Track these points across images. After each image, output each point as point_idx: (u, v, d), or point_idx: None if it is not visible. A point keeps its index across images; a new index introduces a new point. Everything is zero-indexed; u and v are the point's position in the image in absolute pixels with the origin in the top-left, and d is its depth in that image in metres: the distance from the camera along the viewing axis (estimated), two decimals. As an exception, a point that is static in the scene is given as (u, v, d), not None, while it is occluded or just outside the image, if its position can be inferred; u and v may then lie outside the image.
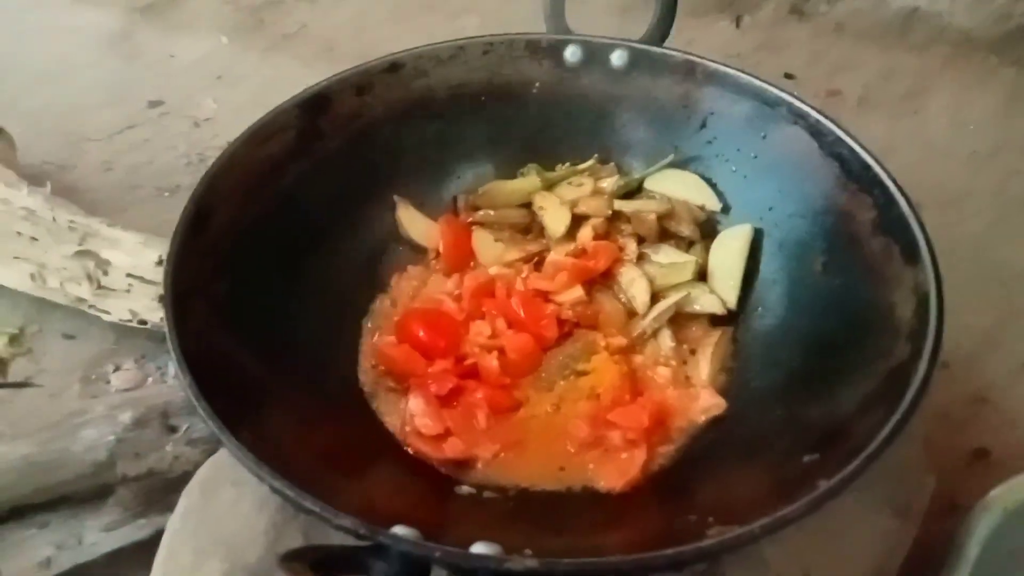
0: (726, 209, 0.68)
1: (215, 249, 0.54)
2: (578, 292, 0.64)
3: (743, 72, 0.66)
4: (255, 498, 0.51)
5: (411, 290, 0.67)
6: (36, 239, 0.86)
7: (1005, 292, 0.89)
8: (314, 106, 0.64)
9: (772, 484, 0.45)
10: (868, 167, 0.57)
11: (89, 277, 0.84)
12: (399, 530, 0.38)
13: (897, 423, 0.42)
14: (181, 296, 0.49)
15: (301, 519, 0.50)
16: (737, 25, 1.26)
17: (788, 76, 1.17)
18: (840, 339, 0.53)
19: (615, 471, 0.54)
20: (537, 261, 0.68)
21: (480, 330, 0.63)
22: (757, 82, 0.64)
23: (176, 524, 0.52)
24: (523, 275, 0.67)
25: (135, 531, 0.67)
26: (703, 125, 0.68)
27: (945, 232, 0.94)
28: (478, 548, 0.37)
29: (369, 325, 0.65)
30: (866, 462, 0.40)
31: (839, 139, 0.59)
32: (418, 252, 0.70)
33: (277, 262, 0.60)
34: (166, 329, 0.46)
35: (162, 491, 0.66)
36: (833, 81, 1.19)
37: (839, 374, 0.51)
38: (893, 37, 1.23)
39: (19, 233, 0.86)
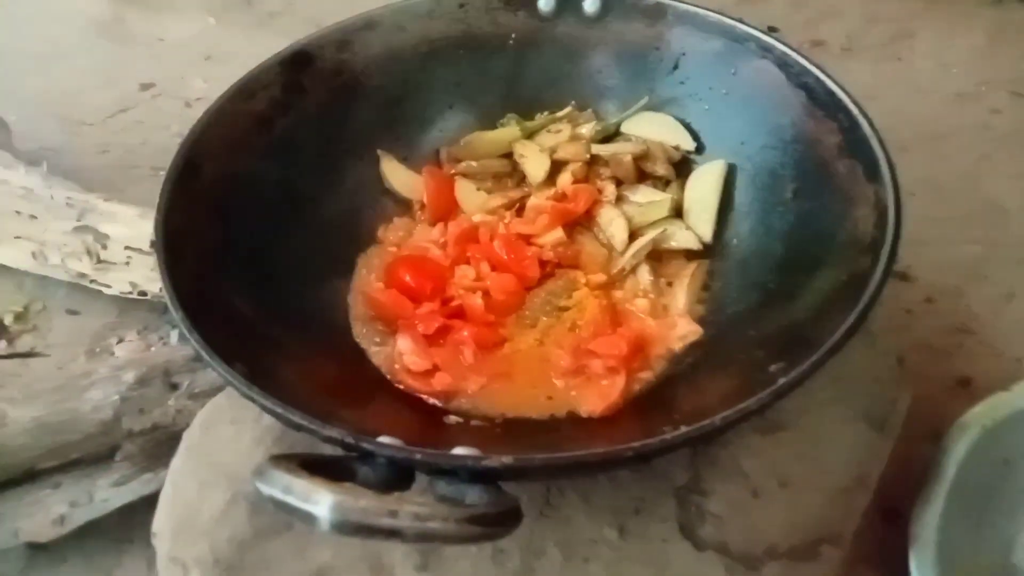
0: (700, 148, 0.70)
1: (205, 197, 0.56)
2: (559, 234, 0.66)
3: (711, 11, 0.67)
4: (253, 434, 0.53)
5: (397, 240, 0.69)
6: (35, 217, 0.87)
7: (990, 226, 0.91)
8: (296, 62, 0.66)
9: (742, 392, 0.47)
10: (832, 93, 0.58)
11: (89, 251, 0.86)
12: (384, 439, 0.40)
13: (853, 323, 0.43)
14: (173, 237, 0.51)
15: (297, 451, 0.52)
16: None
17: (772, 29, 1.18)
18: (810, 257, 0.55)
19: (596, 396, 0.56)
20: (519, 207, 0.70)
21: (465, 273, 0.64)
22: (726, 19, 0.66)
23: (178, 462, 0.54)
24: (505, 220, 0.68)
25: (143, 486, 0.69)
26: (675, 67, 0.70)
27: (932, 169, 0.96)
28: (458, 451, 0.39)
29: (358, 273, 0.67)
30: (823, 357, 0.42)
31: (805, 68, 0.61)
32: (403, 204, 0.72)
33: (267, 213, 0.61)
34: (158, 268, 0.48)
35: (167, 445, 0.67)
36: (816, 30, 1.20)
37: (807, 291, 0.52)
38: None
39: (18, 212, 0.88)
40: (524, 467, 0.38)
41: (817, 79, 0.60)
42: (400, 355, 0.59)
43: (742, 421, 0.40)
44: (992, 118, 1.05)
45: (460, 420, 0.56)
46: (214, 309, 0.50)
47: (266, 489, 0.33)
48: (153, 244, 0.50)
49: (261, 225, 0.60)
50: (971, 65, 1.12)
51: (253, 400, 0.42)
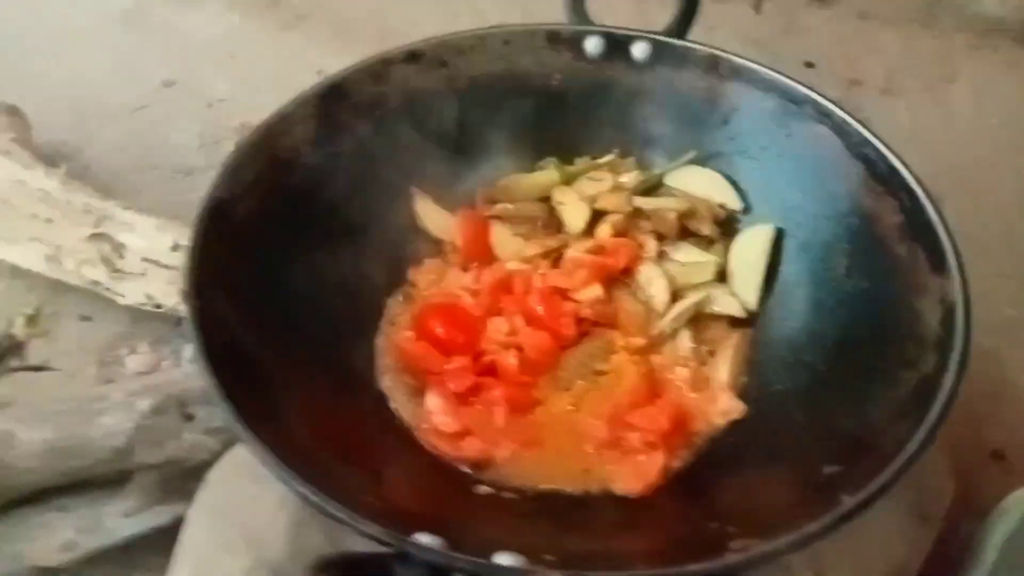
0: (747, 208, 0.67)
1: (234, 242, 0.54)
2: (597, 290, 0.64)
3: (769, 68, 0.64)
4: (277, 495, 0.51)
5: (428, 284, 0.67)
6: (52, 221, 0.86)
7: (1027, 286, 0.89)
8: (332, 96, 0.64)
9: (793, 495, 0.45)
10: (895, 170, 0.56)
11: (104, 260, 0.84)
12: (423, 538, 0.38)
13: (925, 438, 0.41)
14: (202, 289, 0.49)
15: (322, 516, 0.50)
16: (757, 11, 1.24)
17: (808, 65, 1.15)
18: (865, 345, 0.53)
19: (633, 474, 0.54)
20: (555, 257, 0.68)
21: (498, 327, 0.62)
22: (783, 78, 0.63)
23: (197, 518, 0.52)
24: (541, 271, 0.66)
25: (154, 517, 0.67)
26: (726, 121, 0.67)
27: (970, 223, 0.94)
28: (501, 558, 0.37)
29: (386, 319, 0.65)
30: (893, 478, 0.40)
31: (866, 140, 0.58)
32: (436, 245, 0.69)
33: (295, 255, 0.59)
34: (190, 327, 0.46)
35: (180, 479, 0.66)
36: (855, 68, 1.17)
37: (863, 382, 0.50)
38: (917, 24, 1.21)
39: (35, 215, 0.86)
40: (572, 584, 0.36)
41: (879, 152, 0.57)
42: (429, 414, 0.57)
43: (805, 546, 0.38)
44: (1034, 174, 1.02)
45: (491, 491, 0.54)
46: (242, 365, 0.48)
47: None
48: (183, 294, 0.48)
49: (290, 269, 0.58)
50: (1014, 116, 1.09)
51: (288, 484, 0.40)
